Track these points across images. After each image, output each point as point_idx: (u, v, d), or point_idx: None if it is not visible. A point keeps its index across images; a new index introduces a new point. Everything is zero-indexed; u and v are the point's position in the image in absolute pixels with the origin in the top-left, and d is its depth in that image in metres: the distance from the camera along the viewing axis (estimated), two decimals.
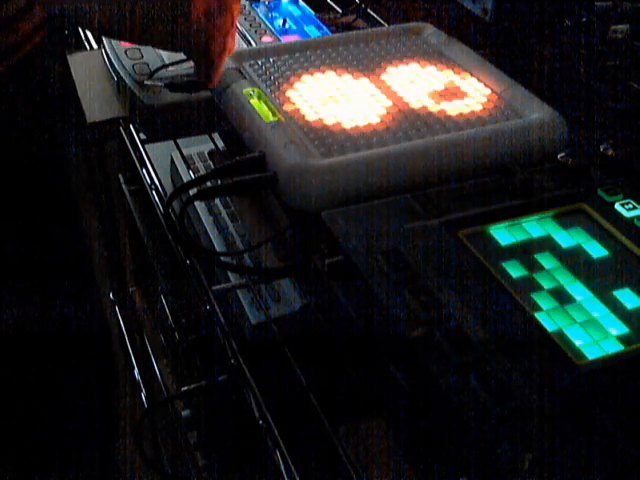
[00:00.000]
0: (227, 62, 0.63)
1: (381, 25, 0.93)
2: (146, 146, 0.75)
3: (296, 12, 0.91)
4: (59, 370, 0.81)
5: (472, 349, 0.37)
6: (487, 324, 0.39)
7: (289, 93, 0.60)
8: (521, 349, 0.38)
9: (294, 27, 0.87)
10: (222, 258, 0.68)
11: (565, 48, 0.68)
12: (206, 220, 0.74)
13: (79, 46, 0.91)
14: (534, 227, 0.47)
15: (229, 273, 0.67)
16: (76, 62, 0.80)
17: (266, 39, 0.83)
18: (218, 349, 0.59)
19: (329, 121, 0.56)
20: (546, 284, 0.43)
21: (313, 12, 0.91)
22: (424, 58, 0.65)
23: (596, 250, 0.45)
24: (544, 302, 0.41)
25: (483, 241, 0.45)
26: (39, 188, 0.78)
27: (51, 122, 0.81)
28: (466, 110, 0.58)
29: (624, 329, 0.40)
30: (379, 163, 0.51)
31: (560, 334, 0.39)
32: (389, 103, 0.59)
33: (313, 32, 0.86)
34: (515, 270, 0.43)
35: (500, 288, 0.41)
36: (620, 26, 0.63)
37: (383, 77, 0.62)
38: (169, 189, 0.77)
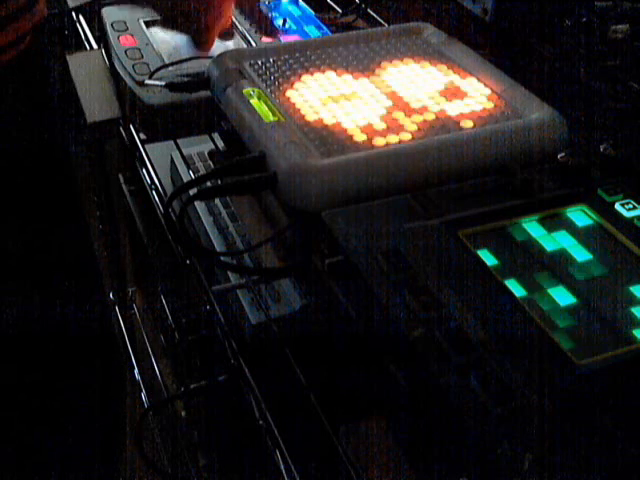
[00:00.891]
0: (227, 62, 0.63)
1: (381, 25, 0.93)
2: (146, 146, 0.75)
3: (296, 12, 0.91)
4: (60, 370, 0.81)
5: (472, 349, 0.37)
6: (487, 324, 0.39)
7: (289, 93, 0.60)
8: (521, 349, 0.38)
9: (294, 27, 0.87)
10: (222, 258, 0.68)
11: (565, 48, 0.68)
12: (206, 220, 0.75)
13: (79, 46, 0.91)
14: (534, 227, 0.47)
15: (229, 273, 0.67)
16: (76, 62, 0.80)
17: (266, 39, 0.83)
18: (218, 349, 0.59)
19: (329, 121, 0.56)
20: (546, 284, 0.43)
21: (313, 12, 0.91)
22: (424, 58, 0.65)
23: (596, 250, 0.45)
24: (544, 302, 0.41)
25: (483, 241, 0.45)
26: (40, 188, 0.78)
27: (51, 122, 0.81)
28: (466, 110, 0.58)
29: (624, 329, 0.40)
30: (379, 163, 0.51)
31: (560, 334, 0.39)
32: (389, 103, 0.59)
33: (313, 32, 0.86)
34: (515, 270, 0.43)
35: (500, 288, 0.41)
36: (620, 26, 0.63)
37: (383, 77, 0.62)
38: (169, 189, 0.77)
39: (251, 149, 0.55)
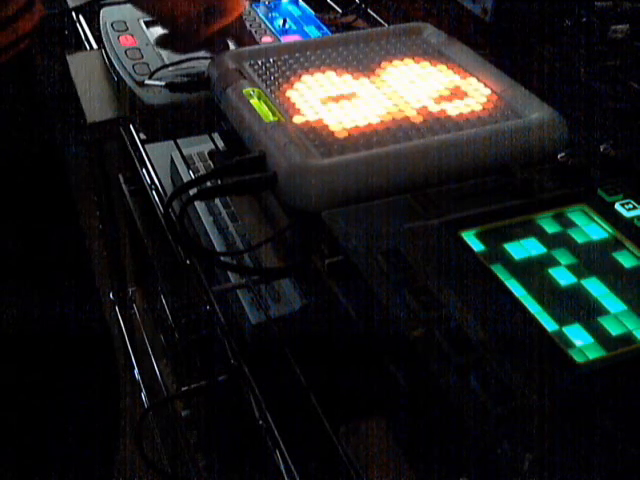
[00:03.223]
0: (227, 62, 0.63)
1: (381, 25, 0.93)
2: (146, 146, 0.75)
3: (296, 12, 0.91)
4: (59, 370, 0.81)
5: (472, 349, 0.37)
6: (487, 324, 0.39)
7: (289, 93, 0.60)
8: (521, 349, 0.38)
9: (294, 27, 0.87)
10: (222, 258, 0.68)
11: (565, 48, 0.68)
12: (206, 220, 0.74)
13: (79, 46, 0.91)
14: (534, 227, 0.47)
15: (229, 273, 0.67)
16: (76, 62, 0.80)
17: (266, 39, 0.83)
18: (218, 349, 0.59)
19: (329, 121, 0.56)
20: (546, 284, 0.43)
21: (313, 12, 0.91)
22: (424, 58, 0.65)
23: (596, 250, 0.45)
24: (544, 302, 0.41)
25: (483, 241, 0.45)
26: (39, 188, 0.78)
27: (51, 122, 0.81)
28: (466, 110, 0.58)
29: (624, 329, 0.40)
30: (379, 163, 0.51)
31: (560, 334, 0.39)
32: (389, 103, 0.59)
33: (313, 32, 0.86)
34: (515, 270, 0.43)
35: (500, 288, 0.41)
36: (620, 26, 0.63)
37: (383, 77, 0.62)
38: (169, 189, 0.77)
39: (251, 149, 0.55)
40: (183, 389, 0.74)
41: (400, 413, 0.43)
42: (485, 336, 0.38)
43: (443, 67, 0.63)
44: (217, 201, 0.76)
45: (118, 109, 0.75)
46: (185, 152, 0.77)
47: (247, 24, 0.86)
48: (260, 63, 0.64)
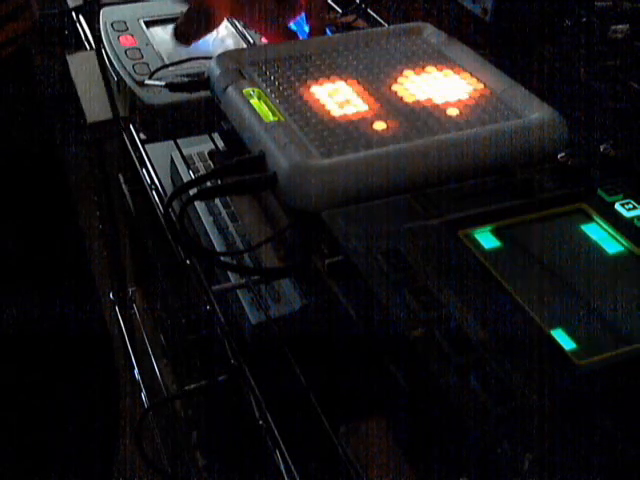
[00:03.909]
0: (227, 62, 0.63)
1: (381, 25, 0.93)
2: (146, 146, 0.75)
3: None
4: (59, 370, 0.81)
5: (472, 349, 0.37)
6: (487, 324, 0.39)
7: (289, 93, 0.60)
8: (521, 349, 0.38)
9: (294, 27, 0.87)
10: (222, 258, 0.68)
11: (565, 48, 0.68)
12: (206, 220, 0.75)
13: (79, 46, 0.91)
14: (534, 227, 0.47)
15: (229, 273, 0.67)
16: (76, 62, 0.80)
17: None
18: (218, 349, 0.59)
19: (329, 121, 0.56)
20: (546, 284, 0.43)
21: None
22: (424, 58, 0.65)
23: (595, 250, 0.45)
24: (544, 302, 0.41)
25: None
26: (39, 188, 0.78)
27: (51, 122, 0.81)
28: (466, 110, 0.58)
29: (624, 329, 0.40)
30: (379, 163, 0.51)
31: (560, 334, 0.39)
32: (388, 103, 0.59)
33: None
34: (515, 270, 0.43)
35: (500, 288, 0.41)
36: (620, 26, 0.63)
37: (383, 77, 0.62)
38: (169, 189, 0.77)
39: (251, 149, 0.55)
40: (183, 389, 0.74)
41: (400, 413, 0.43)
42: (485, 336, 0.38)
43: (443, 67, 0.63)
44: (217, 201, 0.77)
45: (118, 109, 0.75)
46: (185, 152, 0.77)
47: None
48: (260, 63, 0.64)
